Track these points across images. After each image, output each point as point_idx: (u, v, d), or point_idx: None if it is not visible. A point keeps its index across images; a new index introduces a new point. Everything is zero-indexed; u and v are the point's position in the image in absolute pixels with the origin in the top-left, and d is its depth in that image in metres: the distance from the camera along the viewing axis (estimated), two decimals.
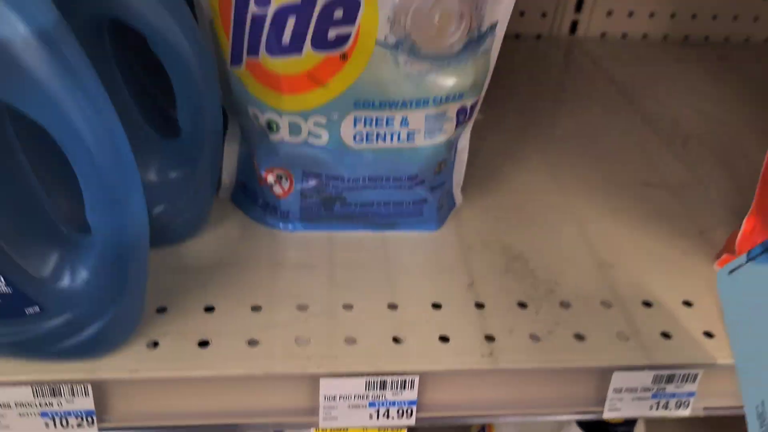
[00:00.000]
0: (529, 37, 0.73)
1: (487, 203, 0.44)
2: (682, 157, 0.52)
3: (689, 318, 0.36)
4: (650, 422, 0.63)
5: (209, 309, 0.34)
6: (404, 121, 0.36)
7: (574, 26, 0.74)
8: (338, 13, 0.32)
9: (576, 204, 0.45)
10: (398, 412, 0.32)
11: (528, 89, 0.62)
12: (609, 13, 0.73)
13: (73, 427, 0.30)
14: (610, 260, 0.40)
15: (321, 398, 0.31)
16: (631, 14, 0.73)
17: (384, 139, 0.36)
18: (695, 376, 0.33)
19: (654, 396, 0.34)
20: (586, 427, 0.42)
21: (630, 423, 0.42)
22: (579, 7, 0.72)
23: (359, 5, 0.32)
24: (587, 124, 0.56)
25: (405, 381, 0.31)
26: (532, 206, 0.44)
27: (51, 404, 0.30)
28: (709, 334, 0.35)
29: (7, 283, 0.28)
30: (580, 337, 0.34)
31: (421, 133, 0.37)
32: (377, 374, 0.31)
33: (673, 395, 0.34)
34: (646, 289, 0.38)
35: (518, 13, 0.72)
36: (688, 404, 0.34)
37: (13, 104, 0.24)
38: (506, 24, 0.36)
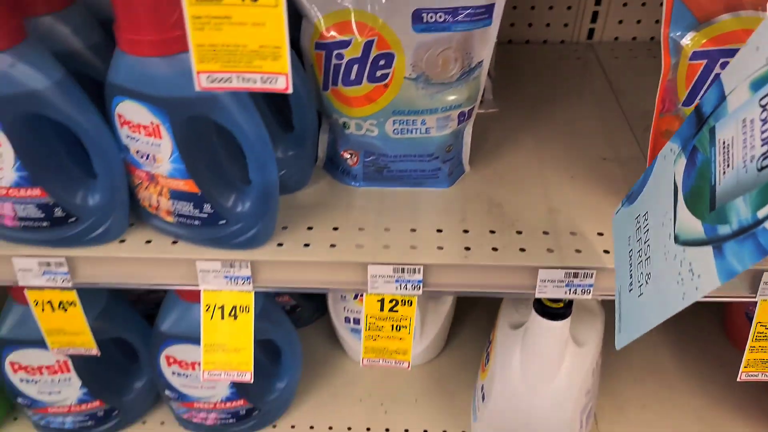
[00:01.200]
0: (554, 42, 0.94)
1: (487, 171, 0.67)
2: (639, 140, 0.72)
3: (597, 242, 0.58)
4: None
5: (310, 228, 0.60)
6: (423, 122, 0.60)
7: (591, 32, 0.93)
8: (382, 62, 0.57)
9: (548, 173, 0.67)
10: (412, 286, 0.57)
11: (542, 87, 0.83)
12: (620, 22, 0.92)
13: (239, 284, 0.58)
14: (557, 208, 0.62)
15: (369, 276, 0.57)
16: (639, 21, 0.92)
17: (411, 132, 0.61)
18: (592, 274, 0.56)
19: (566, 285, 0.56)
20: (542, 313, 0.63)
21: (569, 305, 0.64)
22: (594, 17, 0.92)
23: (394, 57, 0.56)
24: (577, 115, 0.77)
25: (415, 269, 0.56)
26: (517, 174, 0.67)
27: (229, 272, 0.57)
28: (606, 251, 0.57)
29: (211, 208, 0.55)
30: (523, 249, 0.57)
31: (434, 129, 0.61)
32: (401, 264, 0.56)
33: (579, 285, 0.56)
34: (575, 225, 0.60)
35: (545, 24, 0.92)
36: (589, 292, 0.56)
37: (215, 120, 0.50)
38: (489, 60, 0.59)
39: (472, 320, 0.93)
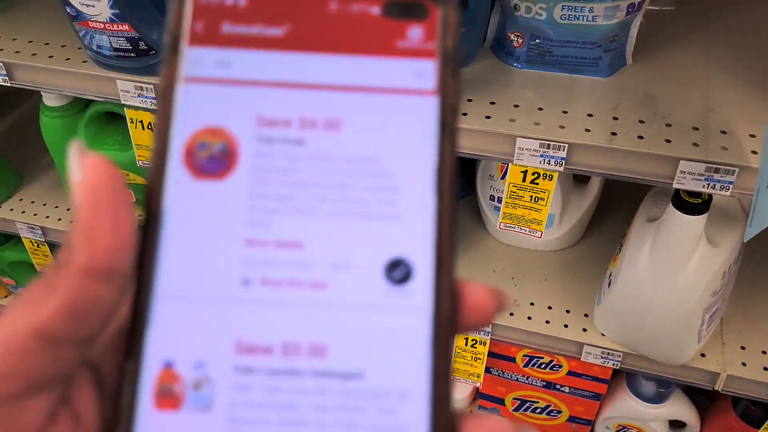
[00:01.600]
0: None
1: (649, 65, 0.69)
2: None
3: (747, 143, 0.59)
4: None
5: (469, 99, 0.67)
6: (591, 9, 0.63)
7: None
8: None
9: (712, 74, 0.67)
10: (555, 162, 0.63)
11: None
12: None
13: None
14: (713, 107, 0.63)
15: (516, 148, 0.63)
16: None
17: (578, 19, 0.64)
18: (734, 171, 0.58)
19: (706, 179, 0.59)
20: (678, 206, 0.66)
21: (707, 202, 0.65)
22: None
23: None
24: (760, 23, 0.74)
25: (560, 146, 0.62)
26: (679, 71, 0.68)
27: None
28: (755, 152, 0.58)
29: None
30: (668, 141, 0.60)
31: (601, 17, 0.63)
32: (547, 140, 0.62)
33: (719, 181, 0.59)
34: (728, 124, 0.61)
35: None
36: (728, 189, 0.59)
37: None
38: None
39: (613, 219, 0.97)
